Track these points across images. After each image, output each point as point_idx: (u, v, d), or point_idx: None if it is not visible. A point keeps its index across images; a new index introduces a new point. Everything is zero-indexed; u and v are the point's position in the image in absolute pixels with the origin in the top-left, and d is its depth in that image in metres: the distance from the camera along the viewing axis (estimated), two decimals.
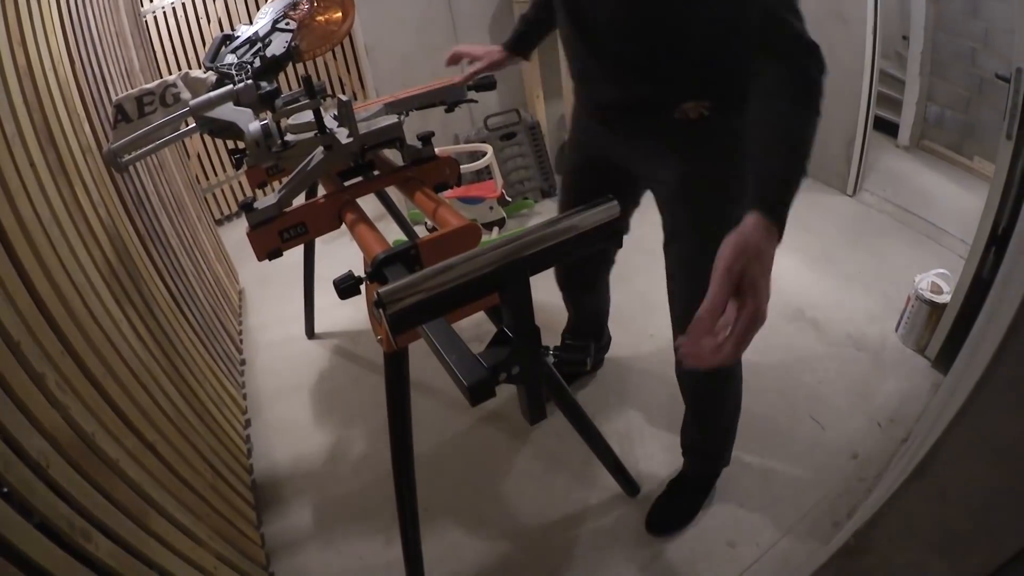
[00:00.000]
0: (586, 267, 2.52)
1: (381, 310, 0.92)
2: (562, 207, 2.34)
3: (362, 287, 1.51)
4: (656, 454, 2.62)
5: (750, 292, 1.10)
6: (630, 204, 2.18)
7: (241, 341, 3.67)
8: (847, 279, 3.44)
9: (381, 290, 0.92)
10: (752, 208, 1.19)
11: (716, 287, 1.10)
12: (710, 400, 2.23)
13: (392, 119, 1.99)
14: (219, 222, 5.10)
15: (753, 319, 1.10)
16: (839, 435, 2.61)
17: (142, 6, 4.34)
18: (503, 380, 1.02)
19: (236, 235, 4.47)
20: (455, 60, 2.42)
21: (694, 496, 2.42)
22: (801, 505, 2.36)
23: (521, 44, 2.34)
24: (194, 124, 2.02)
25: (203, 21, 4.74)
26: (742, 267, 1.11)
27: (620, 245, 1.17)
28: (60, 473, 1.35)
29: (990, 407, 0.87)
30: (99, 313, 1.84)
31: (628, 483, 2.43)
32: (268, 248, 1.81)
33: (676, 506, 2.40)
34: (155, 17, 4.52)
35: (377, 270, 1.48)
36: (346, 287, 1.48)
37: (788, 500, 2.39)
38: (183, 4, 4.58)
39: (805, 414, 2.71)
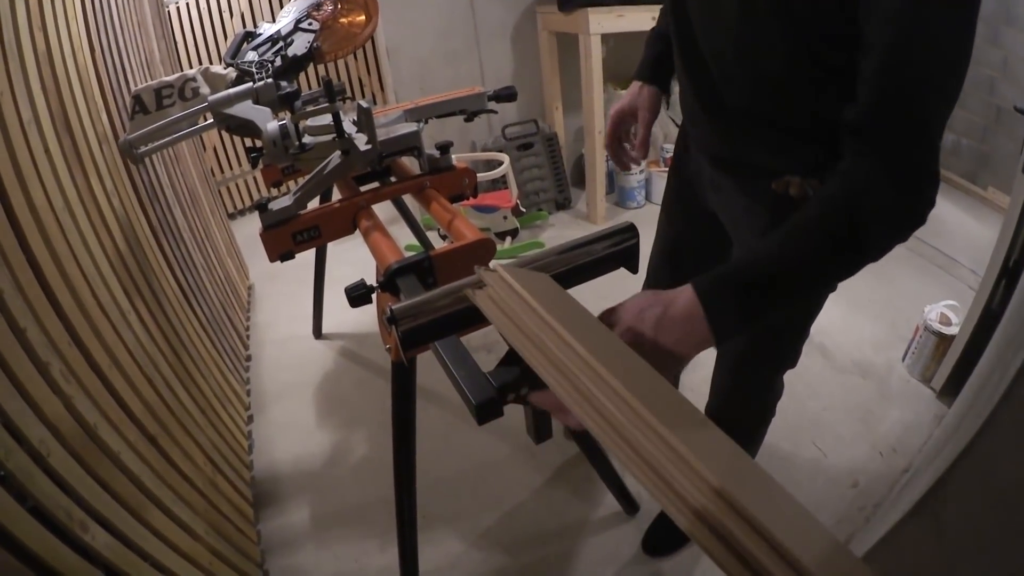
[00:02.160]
0: None
1: (393, 326, 0.92)
2: (659, 258, 2.08)
3: (373, 296, 1.51)
4: None
5: None
6: (726, 256, 1.91)
7: (248, 337, 3.67)
8: (856, 306, 3.44)
9: (395, 307, 0.92)
10: (701, 288, 1.01)
11: None
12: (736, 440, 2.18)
13: (411, 127, 1.99)
14: (232, 216, 5.11)
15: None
16: (841, 462, 2.60)
17: None
18: (511, 400, 1.01)
19: (248, 229, 4.48)
20: (616, 136, 1.90)
21: None
22: None
23: (660, 71, 1.78)
24: (211, 119, 2.02)
25: (226, 15, 4.76)
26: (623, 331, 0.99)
27: (636, 271, 1.14)
28: (60, 463, 1.34)
29: (993, 449, 0.86)
30: (107, 303, 1.84)
31: (628, 502, 2.43)
32: (281, 250, 1.81)
33: (674, 527, 2.35)
34: (178, 8, 4.54)
35: (390, 280, 1.48)
36: (358, 295, 1.48)
37: None
38: None
39: (808, 440, 2.71)
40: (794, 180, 1.37)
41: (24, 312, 1.37)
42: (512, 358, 1.04)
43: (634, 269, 1.09)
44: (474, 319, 0.97)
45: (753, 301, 1.02)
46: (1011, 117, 3.30)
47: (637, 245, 1.07)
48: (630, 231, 1.07)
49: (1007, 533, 0.81)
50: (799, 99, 1.23)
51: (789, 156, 1.36)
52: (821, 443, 2.69)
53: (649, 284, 2.15)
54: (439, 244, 1.80)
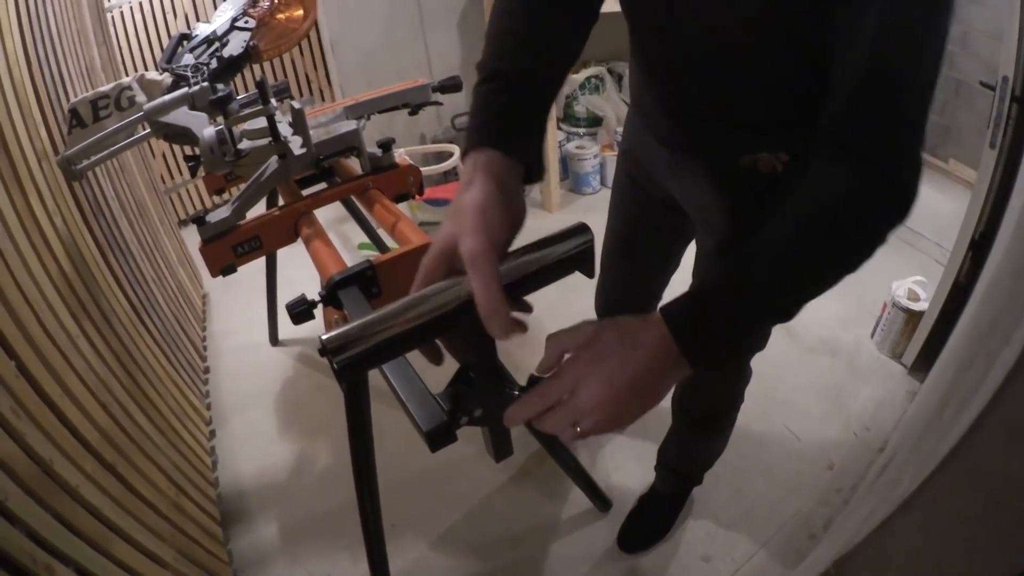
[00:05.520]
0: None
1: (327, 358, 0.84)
2: (614, 247, 1.97)
3: (316, 311, 1.45)
4: (627, 465, 2.60)
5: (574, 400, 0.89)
6: (684, 244, 1.91)
7: (205, 348, 3.59)
8: None
9: (325, 337, 0.82)
10: (672, 318, 0.92)
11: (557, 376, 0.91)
12: (705, 433, 2.17)
13: (350, 125, 1.94)
14: (183, 223, 4.99)
15: (557, 425, 0.91)
16: (814, 444, 2.60)
17: (108, 0, 4.24)
18: (464, 424, 0.96)
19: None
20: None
21: (667, 511, 2.39)
22: (777, 517, 2.35)
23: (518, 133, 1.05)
24: (149, 129, 1.95)
25: (169, 17, 4.65)
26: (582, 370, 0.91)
27: (592, 275, 1.05)
28: (19, 505, 1.29)
29: (985, 449, 0.85)
30: (54, 330, 1.77)
31: (599, 498, 2.40)
32: (222, 264, 1.78)
33: (648, 522, 2.37)
34: (121, 12, 4.43)
35: (331, 293, 1.43)
36: (298, 312, 1.43)
37: (763, 512, 2.37)
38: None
39: (779, 423, 2.69)
40: (762, 155, 1.34)
41: None
42: (463, 376, 0.98)
43: (590, 273, 1.01)
44: (417, 341, 0.89)
45: (726, 337, 0.95)
46: (971, 91, 3.31)
47: (592, 247, 0.99)
48: (583, 232, 0.97)
49: (999, 534, 0.80)
50: (778, 96, 1.20)
51: (758, 141, 1.32)
52: (793, 425, 2.68)
53: (604, 277, 2.09)
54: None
